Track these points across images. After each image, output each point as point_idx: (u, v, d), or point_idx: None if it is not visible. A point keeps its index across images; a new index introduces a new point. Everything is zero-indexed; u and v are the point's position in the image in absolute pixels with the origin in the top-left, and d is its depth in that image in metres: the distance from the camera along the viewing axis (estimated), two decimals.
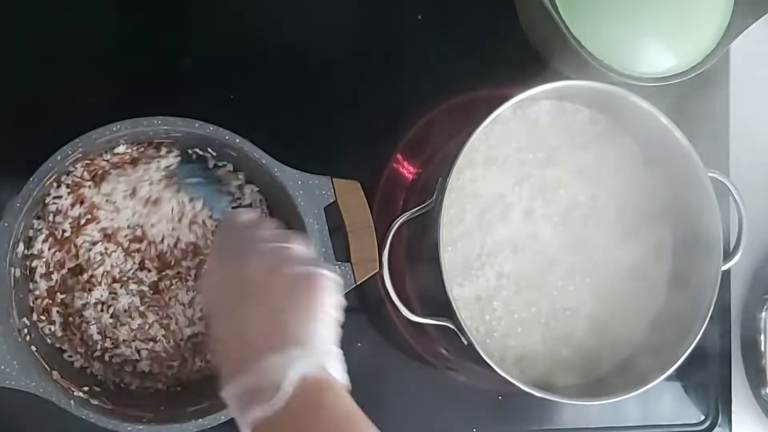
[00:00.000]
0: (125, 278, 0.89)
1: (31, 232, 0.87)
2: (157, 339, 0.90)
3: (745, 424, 1.06)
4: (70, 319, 0.88)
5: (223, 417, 0.81)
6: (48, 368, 0.83)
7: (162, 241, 0.89)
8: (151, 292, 0.90)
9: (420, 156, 1.00)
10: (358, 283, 0.85)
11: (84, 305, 0.88)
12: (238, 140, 0.83)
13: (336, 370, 0.67)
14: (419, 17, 1.01)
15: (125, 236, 0.88)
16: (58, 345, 0.88)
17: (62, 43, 0.95)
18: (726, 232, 0.94)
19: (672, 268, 0.97)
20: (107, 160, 0.88)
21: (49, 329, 0.88)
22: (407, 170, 1.01)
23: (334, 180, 0.85)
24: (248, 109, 0.97)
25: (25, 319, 0.85)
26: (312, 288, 0.69)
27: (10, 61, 0.94)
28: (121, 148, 0.87)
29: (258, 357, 0.65)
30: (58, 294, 0.88)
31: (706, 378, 1.06)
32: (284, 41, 0.99)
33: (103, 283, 0.88)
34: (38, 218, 0.87)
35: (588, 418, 1.03)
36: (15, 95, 0.94)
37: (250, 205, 0.91)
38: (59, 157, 0.79)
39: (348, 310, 0.93)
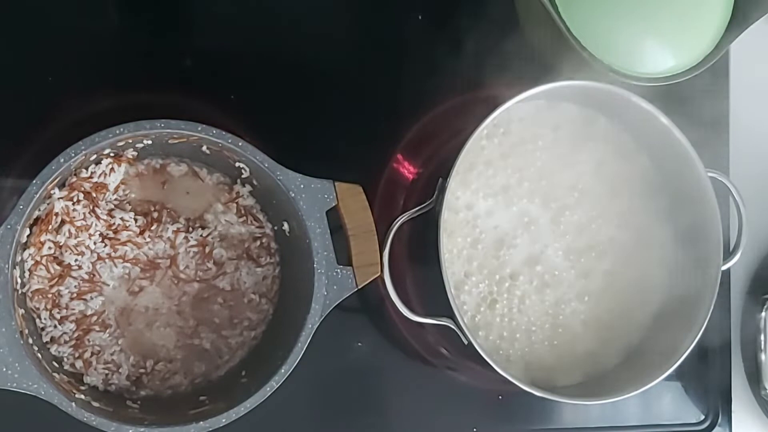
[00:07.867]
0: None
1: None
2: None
3: (745, 424, 1.07)
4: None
5: (224, 420, 0.81)
6: (50, 371, 0.83)
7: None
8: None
9: (420, 156, 1.00)
10: (359, 288, 0.85)
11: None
12: (240, 143, 0.83)
13: None
14: (419, 17, 1.01)
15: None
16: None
17: (62, 45, 0.95)
18: (726, 232, 0.94)
19: (672, 268, 0.97)
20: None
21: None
22: (407, 170, 1.00)
23: (336, 183, 0.85)
24: (248, 109, 0.97)
25: (26, 321, 0.85)
26: None
27: (11, 63, 0.94)
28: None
29: None
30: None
31: (706, 378, 1.06)
32: (284, 41, 0.99)
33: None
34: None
35: (588, 418, 1.03)
36: (16, 97, 0.94)
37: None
38: (62, 160, 0.79)
39: (348, 310, 0.94)
